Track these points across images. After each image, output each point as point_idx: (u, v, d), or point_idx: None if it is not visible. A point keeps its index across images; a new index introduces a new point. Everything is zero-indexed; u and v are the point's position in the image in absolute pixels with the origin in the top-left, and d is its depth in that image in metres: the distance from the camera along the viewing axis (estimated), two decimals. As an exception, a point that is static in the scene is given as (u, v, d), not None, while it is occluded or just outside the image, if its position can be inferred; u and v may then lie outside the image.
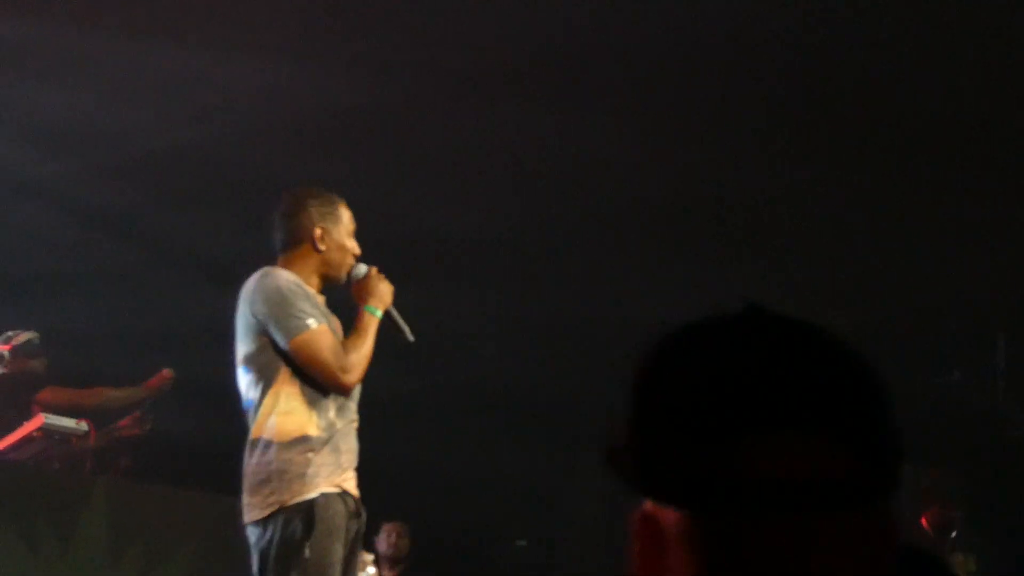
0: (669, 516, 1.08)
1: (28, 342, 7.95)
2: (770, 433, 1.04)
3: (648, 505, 1.10)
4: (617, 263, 8.94)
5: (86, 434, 7.53)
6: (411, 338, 4.88)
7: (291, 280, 4.67)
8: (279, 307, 4.60)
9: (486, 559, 10.09)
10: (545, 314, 9.24)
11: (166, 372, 7.91)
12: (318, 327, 4.59)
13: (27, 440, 7.47)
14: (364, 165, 7.75)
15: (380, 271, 4.85)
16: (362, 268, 4.81)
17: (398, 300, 4.87)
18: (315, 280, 4.78)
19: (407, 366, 5.48)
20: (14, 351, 7.90)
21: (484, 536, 10.11)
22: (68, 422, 7.52)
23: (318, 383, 4.61)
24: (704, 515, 1.05)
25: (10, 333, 7.98)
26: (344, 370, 4.59)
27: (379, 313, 4.75)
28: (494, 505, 9.90)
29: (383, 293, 4.79)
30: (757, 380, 1.06)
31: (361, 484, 4.71)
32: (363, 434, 4.74)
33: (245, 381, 4.69)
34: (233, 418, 5.31)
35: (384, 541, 8.38)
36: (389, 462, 5.03)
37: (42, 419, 7.44)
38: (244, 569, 5.35)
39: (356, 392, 4.74)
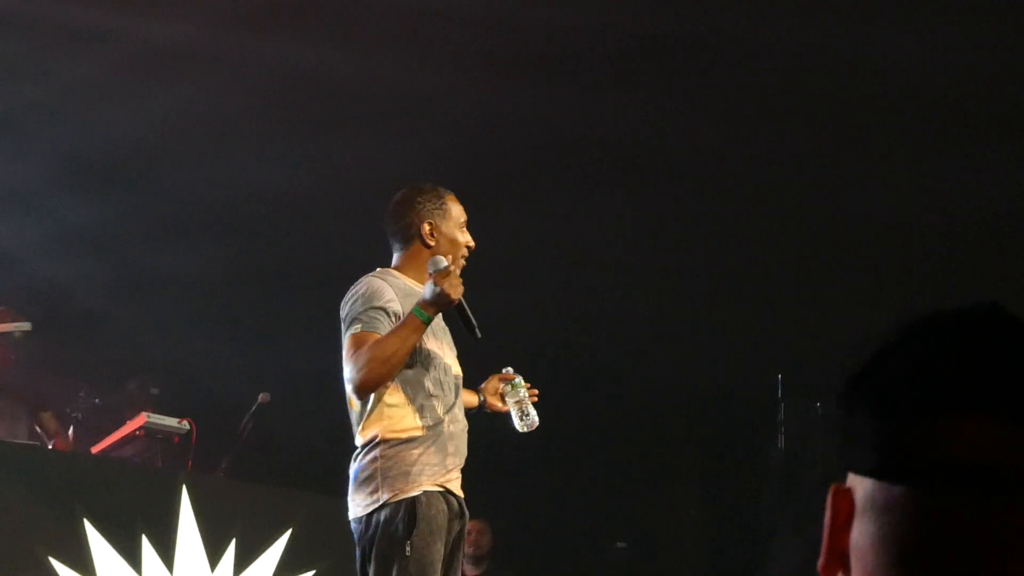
0: (860, 487, 1.09)
1: (24, 334, 7.94)
2: (973, 416, 1.05)
3: (849, 478, 1.12)
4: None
5: (188, 433, 7.58)
6: (478, 335, 4.73)
7: (376, 285, 4.63)
8: (346, 315, 4.61)
9: (585, 560, 10.04)
10: (651, 309, 9.19)
11: (263, 396, 7.82)
12: (357, 331, 4.52)
13: (129, 438, 7.54)
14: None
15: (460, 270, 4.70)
16: (441, 263, 4.60)
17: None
18: (424, 276, 4.69)
19: (496, 361, 5.46)
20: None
21: (584, 537, 10.06)
22: (170, 421, 7.57)
23: (422, 382, 4.58)
24: (897, 487, 1.06)
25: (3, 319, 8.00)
26: (357, 367, 4.48)
27: (425, 316, 4.49)
28: (594, 506, 9.86)
29: (443, 300, 4.52)
30: (971, 365, 1.07)
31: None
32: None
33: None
34: (329, 419, 5.33)
35: (466, 540, 8.35)
36: (488, 459, 4.99)
37: (144, 418, 7.50)
38: (337, 565, 5.37)
39: (456, 390, 4.72)
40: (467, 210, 4.87)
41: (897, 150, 8.10)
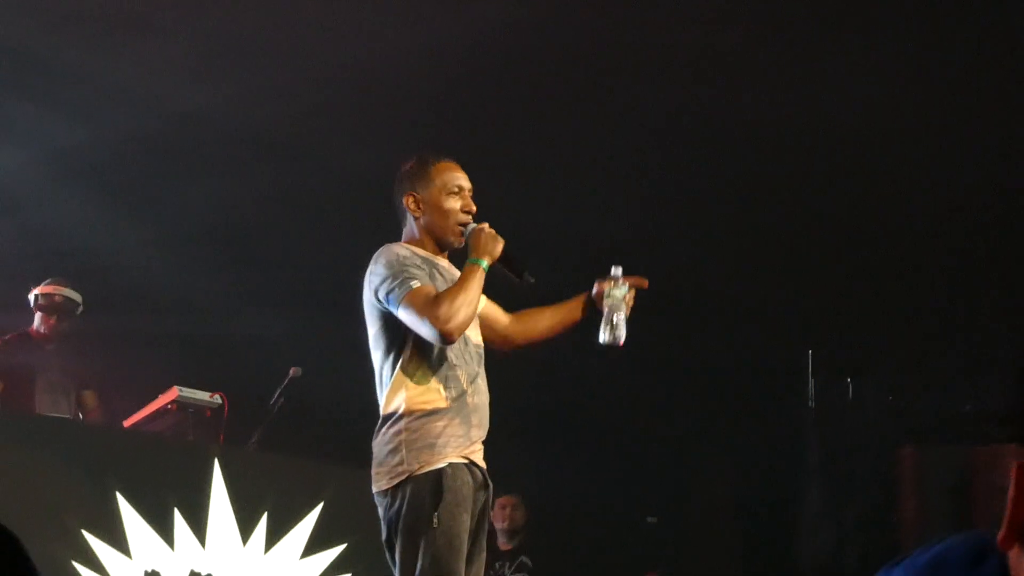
0: None
1: (48, 295, 8.01)
2: None
3: None
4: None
5: (220, 406, 7.61)
6: (532, 279, 4.73)
7: (398, 251, 4.62)
8: (387, 281, 4.54)
9: (616, 535, 10.05)
10: (682, 282, 9.17)
11: (294, 371, 7.85)
12: (417, 286, 4.50)
13: (162, 412, 7.58)
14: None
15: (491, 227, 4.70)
16: (471, 226, 4.67)
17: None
18: (431, 246, 4.74)
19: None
20: (36, 298, 7.99)
21: (614, 512, 10.07)
22: (202, 395, 7.61)
23: (444, 353, 4.58)
24: None
25: (50, 280, 8.06)
26: (440, 319, 4.41)
27: (483, 263, 4.56)
28: (625, 481, 9.86)
29: (489, 246, 4.60)
30: None
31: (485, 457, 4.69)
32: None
33: (375, 359, 4.68)
34: (357, 391, 5.33)
35: (500, 514, 8.40)
36: (519, 434, 4.98)
37: (176, 392, 7.53)
38: (369, 537, 5.38)
39: (478, 360, 4.72)
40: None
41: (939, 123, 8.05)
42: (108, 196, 9.00)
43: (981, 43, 7.60)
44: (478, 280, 4.55)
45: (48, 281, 8.10)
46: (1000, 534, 1.11)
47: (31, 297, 8.06)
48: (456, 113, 8.33)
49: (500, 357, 4.99)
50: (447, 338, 4.47)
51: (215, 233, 9.23)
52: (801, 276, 9.14)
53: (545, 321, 5.04)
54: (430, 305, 4.45)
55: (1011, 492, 1.10)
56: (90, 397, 8.10)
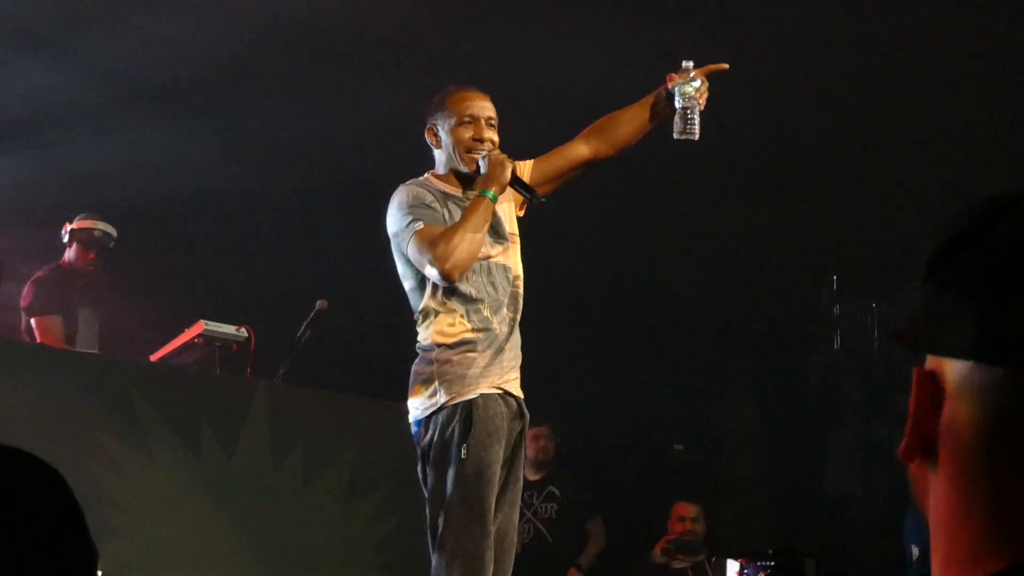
0: (951, 369, 1.08)
1: (87, 230, 8.02)
2: None
3: (929, 362, 1.10)
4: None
5: (247, 340, 7.62)
6: (542, 200, 4.75)
7: (409, 191, 4.67)
8: (395, 225, 4.64)
9: (641, 463, 10.08)
10: (705, 210, 9.14)
11: (320, 303, 7.86)
12: (419, 228, 4.55)
13: (188, 346, 7.59)
14: None
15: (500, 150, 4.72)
16: (484, 154, 4.68)
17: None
18: (452, 178, 4.79)
19: (558, 267, 5.41)
20: (72, 233, 8.00)
21: (640, 440, 10.09)
22: (228, 328, 7.62)
23: (463, 285, 4.59)
24: (998, 368, 1.05)
25: (83, 215, 8.06)
26: (439, 259, 4.48)
27: (490, 194, 4.59)
28: (651, 409, 9.87)
29: (496, 173, 4.62)
30: None
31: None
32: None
33: (407, 293, 4.75)
34: (388, 324, 5.33)
35: (531, 445, 8.39)
36: (542, 363, 4.98)
37: (203, 325, 7.54)
38: (403, 472, 5.40)
39: (507, 288, 4.72)
40: None
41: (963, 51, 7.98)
42: (135, 128, 8.98)
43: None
44: (481, 213, 4.57)
45: (84, 215, 8.10)
46: (901, 448, 1.10)
47: (66, 231, 8.06)
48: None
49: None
50: (447, 277, 4.52)
51: (243, 163, 9.22)
52: (825, 200, 9.09)
53: (626, 125, 4.97)
54: (430, 246, 4.51)
55: (912, 400, 1.10)
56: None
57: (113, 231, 8.09)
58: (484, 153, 4.69)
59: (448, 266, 4.48)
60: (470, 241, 4.52)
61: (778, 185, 9.08)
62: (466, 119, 4.73)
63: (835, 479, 9.55)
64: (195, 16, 8.08)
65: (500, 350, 4.63)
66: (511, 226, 4.84)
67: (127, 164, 9.01)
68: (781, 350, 9.97)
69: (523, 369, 4.75)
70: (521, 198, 4.82)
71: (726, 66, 4.90)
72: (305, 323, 7.74)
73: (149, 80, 8.67)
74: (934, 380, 1.09)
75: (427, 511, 4.57)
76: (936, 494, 1.09)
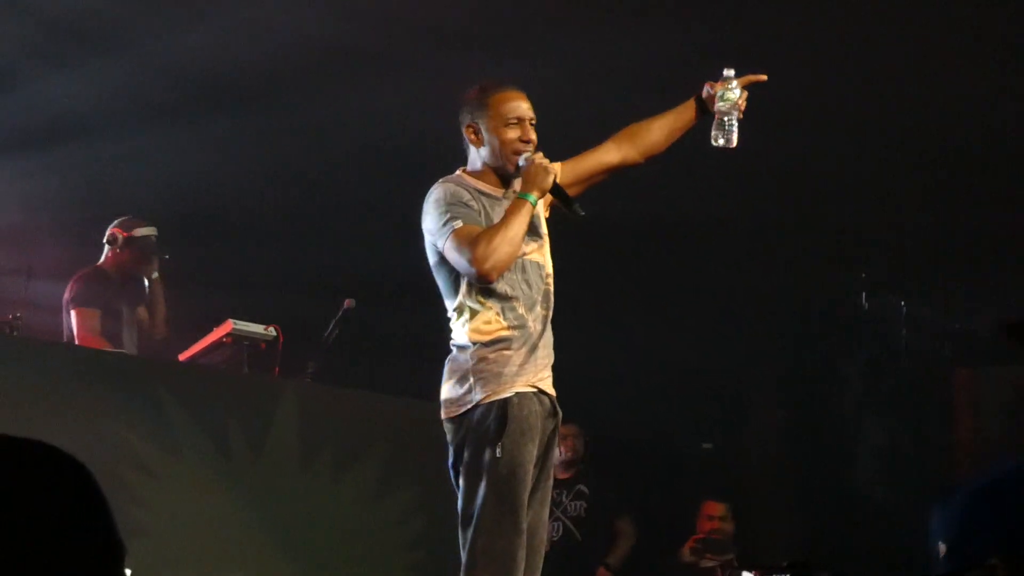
0: None
1: (145, 237, 8.02)
2: None
3: None
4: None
5: (275, 339, 7.62)
6: (582, 213, 4.72)
7: (446, 189, 4.64)
8: (432, 222, 4.61)
9: (670, 461, 10.05)
10: (733, 208, 9.11)
11: (348, 302, 7.86)
12: (458, 227, 4.53)
13: (216, 345, 7.60)
14: None
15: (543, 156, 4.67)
16: (525, 156, 4.66)
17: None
18: (490, 176, 4.76)
19: (587, 265, 5.40)
20: (129, 240, 8.00)
21: (668, 438, 10.07)
22: (256, 327, 7.62)
23: (499, 283, 4.57)
24: None
25: (130, 220, 8.06)
26: (477, 259, 4.46)
27: (531, 197, 4.56)
28: (680, 408, 9.85)
29: (539, 178, 4.59)
30: None
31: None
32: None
33: (441, 290, 4.73)
34: (418, 321, 5.32)
35: (560, 444, 8.38)
36: (570, 362, 4.95)
37: (231, 325, 7.54)
38: (432, 472, 5.39)
39: (540, 286, 4.71)
40: None
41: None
42: (169, 127, 8.99)
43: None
44: (522, 216, 4.54)
45: (130, 220, 8.07)
46: None
47: (116, 236, 8.01)
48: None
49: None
50: (484, 278, 4.50)
51: (273, 165, 9.23)
52: (853, 196, 9.05)
53: (657, 132, 4.97)
54: (468, 245, 4.49)
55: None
56: (142, 311, 8.12)
57: (153, 231, 8.09)
58: (526, 155, 4.66)
59: (487, 266, 4.47)
60: (510, 243, 4.50)
61: (807, 182, 9.04)
62: (512, 120, 4.70)
63: (863, 479, 9.51)
64: (231, 21, 8.09)
65: (534, 348, 4.62)
66: (543, 224, 4.83)
67: (154, 166, 9.03)
68: (810, 348, 9.92)
69: (552, 367, 4.74)
70: (551, 197, 4.80)
71: (764, 77, 4.90)
72: (333, 321, 7.75)
73: (182, 85, 8.67)
74: None
75: (459, 509, 4.56)
76: None
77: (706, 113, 4.88)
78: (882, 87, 8.39)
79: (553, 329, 4.77)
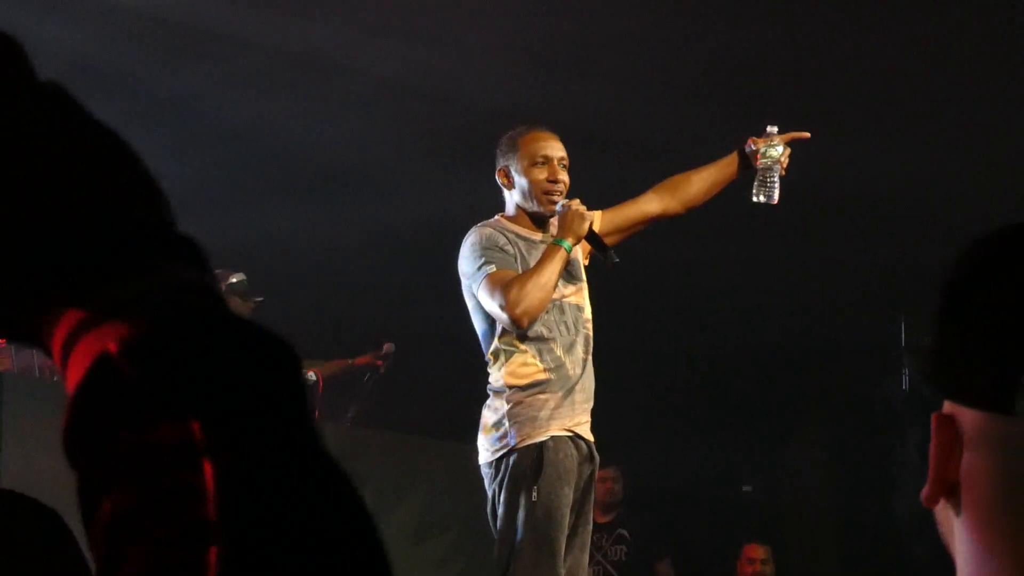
0: (968, 417, 1.05)
1: (240, 282, 8.04)
2: None
3: (947, 406, 1.08)
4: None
5: (315, 384, 7.67)
6: (616, 259, 4.75)
7: (482, 233, 4.69)
8: (468, 266, 4.66)
9: (711, 504, 10.03)
10: (776, 251, 9.10)
11: (387, 346, 7.91)
12: (492, 272, 4.57)
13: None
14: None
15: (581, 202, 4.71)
16: (562, 203, 4.69)
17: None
18: (525, 220, 4.82)
19: (624, 309, 5.42)
20: (234, 287, 8.01)
21: (708, 481, 10.05)
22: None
23: (536, 326, 4.60)
24: (1007, 417, 1.02)
25: (218, 271, 8.05)
26: (509, 304, 4.50)
27: (566, 244, 4.59)
28: (720, 450, 9.84)
29: (575, 224, 4.62)
30: None
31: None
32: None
33: (478, 334, 4.77)
34: (457, 365, 5.35)
35: (599, 487, 8.33)
36: (610, 404, 4.97)
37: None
38: (472, 514, 5.41)
39: (579, 329, 4.73)
40: None
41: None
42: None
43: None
44: (555, 262, 4.57)
45: (230, 268, 8.11)
46: (924, 491, 1.08)
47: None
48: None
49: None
50: (517, 323, 4.54)
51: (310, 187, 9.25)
52: (893, 243, 9.04)
53: (698, 184, 5.01)
54: (503, 290, 4.53)
55: (933, 446, 1.08)
56: None
57: (243, 276, 8.09)
58: (564, 202, 4.70)
59: (519, 312, 4.50)
60: (542, 288, 4.53)
61: (842, 221, 9.03)
62: (539, 160, 4.75)
63: (902, 517, 9.47)
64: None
65: (571, 391, 4.64)
66: (581, 270, 4.86)
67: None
68: (847, 387, 9.91)
69: (592, 411, 4.75)
70: (588, 245, 4.83)
71: (808, 135, 4.93)
72: (371, 365, 7.79)
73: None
74: (953, 425, 1.07)
75: (496, 553, 4.58)
76: (960, 537, 1.08)
77: (748, 168, 4.92)
78: (927, 133, 8.38)
79: (595, 371, 4.80)
